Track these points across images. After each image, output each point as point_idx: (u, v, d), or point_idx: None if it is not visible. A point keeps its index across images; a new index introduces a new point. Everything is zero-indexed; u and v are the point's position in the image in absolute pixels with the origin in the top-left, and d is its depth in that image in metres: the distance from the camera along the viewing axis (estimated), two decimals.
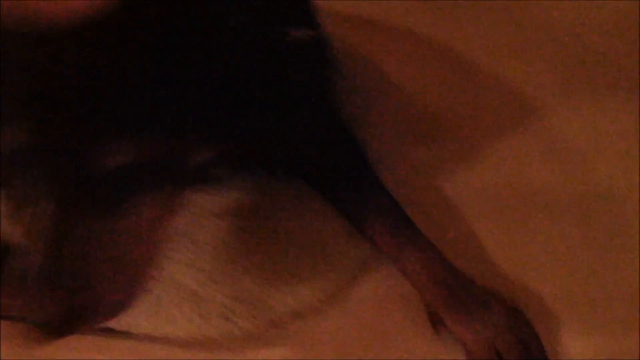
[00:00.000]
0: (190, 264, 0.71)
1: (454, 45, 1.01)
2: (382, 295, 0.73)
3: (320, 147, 0.75)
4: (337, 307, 0.71)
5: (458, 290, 0.70)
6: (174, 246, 0.70)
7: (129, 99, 0.45)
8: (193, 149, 0.51)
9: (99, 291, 0.51)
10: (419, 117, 0.92)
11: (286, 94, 0.57)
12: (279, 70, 0.55)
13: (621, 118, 0.88)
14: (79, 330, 0.51)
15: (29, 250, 0.50)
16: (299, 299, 0.70)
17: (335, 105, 0.76)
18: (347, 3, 1.05)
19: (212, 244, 0.72)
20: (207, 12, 0.47)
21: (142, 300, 0.55)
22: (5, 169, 0.51)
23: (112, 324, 0.68)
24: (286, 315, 0.70)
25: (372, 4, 1.06)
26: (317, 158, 0.76)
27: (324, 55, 0.65)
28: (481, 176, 0.83)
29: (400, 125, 0.90)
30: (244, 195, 0.74)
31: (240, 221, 0.73)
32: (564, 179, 0.83)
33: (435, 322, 0.69)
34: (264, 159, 0.72)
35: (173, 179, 0.52)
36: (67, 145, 0.46)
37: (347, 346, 0.70)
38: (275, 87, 0.55)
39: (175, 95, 0.47)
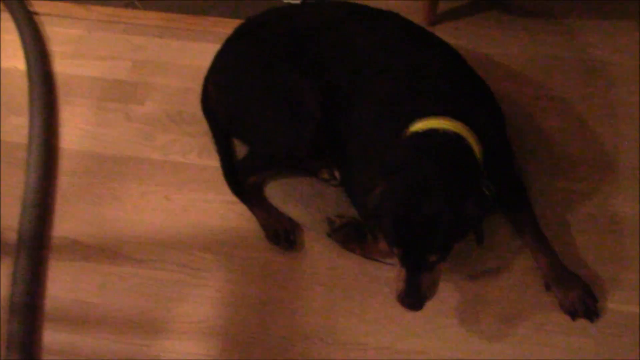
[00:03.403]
0: None
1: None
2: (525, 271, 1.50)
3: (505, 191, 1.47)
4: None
5: (560, 273, 1.46)
6: None
7: None
8: None
9: None
10: (559, 158, 1.62)
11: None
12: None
13: None
14: None
15: None
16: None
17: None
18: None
19: None
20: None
21: None
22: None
23: None
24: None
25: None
26: (506, 197, 1.46)
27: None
28: (585, 206, 1.56)
29: (545, 163, 1.61)
30: None
31: None
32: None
33: (548, 287, 1.47)
34: None
35: None
36: None
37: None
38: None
39: None
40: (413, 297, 1.24)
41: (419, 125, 1.29)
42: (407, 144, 1.29)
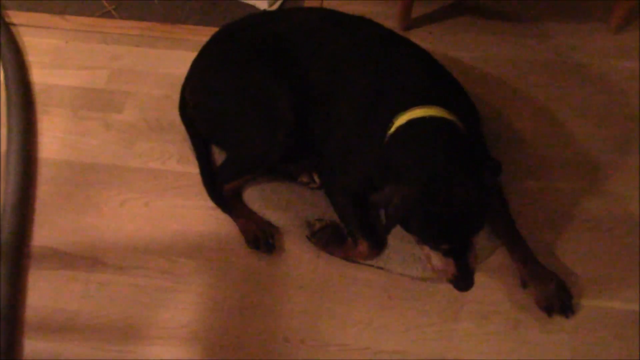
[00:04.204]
0: None
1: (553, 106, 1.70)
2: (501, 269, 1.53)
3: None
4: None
5: (536, 270, 1.49)
6: None
7: None
8: None
9: None
10: (532, 158, 1.65)
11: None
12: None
13: None
14: None
15: None
16: None
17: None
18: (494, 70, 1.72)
19: None
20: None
21: None
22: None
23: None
24: None
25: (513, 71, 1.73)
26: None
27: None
28: (560, 204, 1.59)
29: (519, 163, 1.64)
30: None
31: None
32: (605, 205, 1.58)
33: (524, 284, 1.50)
34: None
35: None
36: None
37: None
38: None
39: None
40: (467, 278, 1.28)
41: (404, 118, 1.32)
42: (402, 138, 1.31)
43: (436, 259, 1.30)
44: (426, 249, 1.31)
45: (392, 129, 1.32)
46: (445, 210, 1.21)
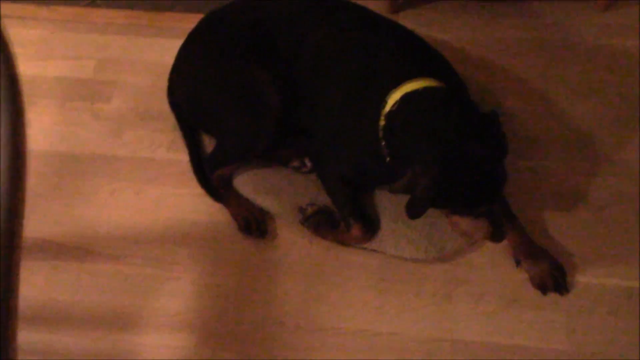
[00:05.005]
0: None
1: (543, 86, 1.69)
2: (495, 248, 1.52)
3: None
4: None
5: (529, 249, 1.49)
6: None
7: None
8: None
9: None
10: (522, 137, 1.65)
11: None
12: None
13: None
14: None
15: None
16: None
17: None
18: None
19: None
20: None
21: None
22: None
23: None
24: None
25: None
26: None
27: None
28: (551, 183, 1.58)
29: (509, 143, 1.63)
30: None
31: None
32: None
33: (518, 263, 1.50)
34: None
35: None
36: None
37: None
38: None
39: None
40: (501, 231, 1.32)
41: (398, 93, 1.30)
42: (403, 115, 1.29)
43: (466, 223, 1.32)
44: (454, 217, 1.32)
45: (387, 108, 1.31)
46: (474, 175, 1.22)
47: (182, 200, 1.62)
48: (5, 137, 1.70)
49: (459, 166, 1.22)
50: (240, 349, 1.44)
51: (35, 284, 1.52)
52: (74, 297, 1.51)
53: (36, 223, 1.60)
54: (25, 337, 1.44)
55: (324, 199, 1.56)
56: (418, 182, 1.23)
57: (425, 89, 1.30)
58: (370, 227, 1.52)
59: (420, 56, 1.46)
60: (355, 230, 1.50)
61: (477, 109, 1.31)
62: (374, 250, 1.52)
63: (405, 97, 1.30)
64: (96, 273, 1.53)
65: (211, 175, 1.59)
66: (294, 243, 1.55)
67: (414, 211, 1.27)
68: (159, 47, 1.86)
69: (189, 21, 1.77)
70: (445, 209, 1.33)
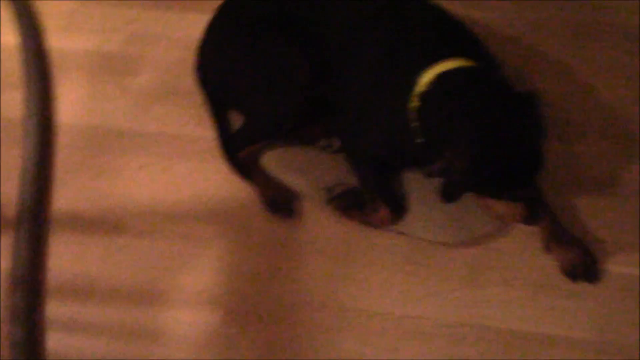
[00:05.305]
0: None
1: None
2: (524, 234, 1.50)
3: None
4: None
5: (560, 235, 1.46)
6: None
7: None
8: None
9: None
10: (556, 119, 1.61)
11: None
12: None
13: None
14: None
15: None
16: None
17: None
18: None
19: None
20: None
21: None
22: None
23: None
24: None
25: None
26: None
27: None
28: (586, 168, 1.55)
29: None
30: None
31: None
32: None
33: (548, 249, 1.47)
34: None
35: None
36: None
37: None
38: None
39: None
40: (536, 215, 1.33)
41: (432, 73, 1.28)
42: (439, 96, 1.26)
43: (500, 206, 1.30)
44: (489, 200, 1.30)
45: (420, 88, 1.28)
46: (511, 158, 1.20)
47: (210, 177, 1.61)
48: (34, 109, 1.71)
49: (497, 149, 1.19)
50: (265, 326, 1.44)
51: (63, 257, 1.54)
52: (101, 270, 1.53)
53: (65, 196, 1.61)
54: (53, 309, 1.48)
55: (351, 180, 1.54)
56: (455, 165, 1.20)
57: (459, 69, 1.27)
58: (398, 209, 1.50)
59: (454, 36, 1.42)
60: (383, 212, 1.49)
61: (513, 90, 1.28)
62: (401, 233, 1.51)
63: (440, 78, 1.27)
64: (124, 247, 1.54)
65: (239, 153, 1.58)
66: (320, 223, 1.54)
67: (449, 195, 1.25)
68: (187, 22, 1.84)
69: None
70: (482, 193, 1.30)
